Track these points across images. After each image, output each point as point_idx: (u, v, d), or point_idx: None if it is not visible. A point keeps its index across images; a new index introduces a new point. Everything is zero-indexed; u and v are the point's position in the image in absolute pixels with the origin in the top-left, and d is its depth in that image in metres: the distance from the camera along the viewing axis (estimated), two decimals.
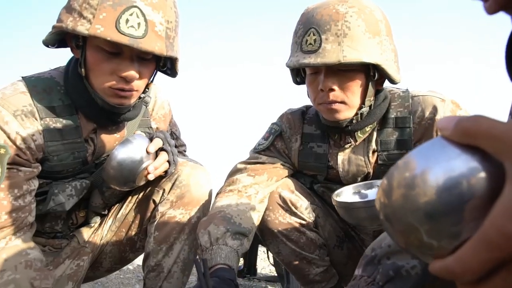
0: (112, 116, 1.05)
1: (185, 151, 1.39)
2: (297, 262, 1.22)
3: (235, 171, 1.25)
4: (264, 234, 1.22)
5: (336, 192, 1.14)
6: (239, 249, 1.00)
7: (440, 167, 0.37)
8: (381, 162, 1.15)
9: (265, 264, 2.56)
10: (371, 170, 1.17)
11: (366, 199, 1.09)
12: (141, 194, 1.22)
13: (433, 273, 0.40)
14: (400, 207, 0.40)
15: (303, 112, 1.29)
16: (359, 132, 1.15)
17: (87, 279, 1.28)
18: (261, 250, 2.41)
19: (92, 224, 1.23)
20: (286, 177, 1.26)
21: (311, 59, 1.02)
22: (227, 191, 1.18)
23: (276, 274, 2.14)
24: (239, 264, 2.10)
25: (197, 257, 0.89)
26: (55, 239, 1.15)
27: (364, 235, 1.27)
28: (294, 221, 1.19)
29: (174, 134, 1.34)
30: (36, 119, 0.97)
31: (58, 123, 1.00)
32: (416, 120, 1.13)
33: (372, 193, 1.15)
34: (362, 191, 1.17)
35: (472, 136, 0.35)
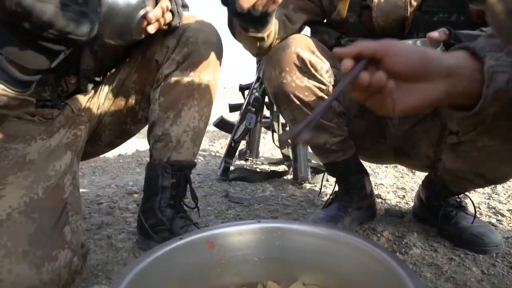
0: None
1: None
2: (313, 130, 1.11)
3: None
4: (279, 99, 1.09)
5: None
6: None
7: None
8: (427, 8, 0.96)
9: (266, 148, 2.51)
10: (409, 15, 0.99)
11: None
12: (141, 54, 1.01)
13: None
14: None
15: None
16: None
17: (87, 155, 1.14)
18: (263, 135, 2.33)
19: (86, 92, 1.06)
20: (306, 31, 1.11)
21: None
22: None
23: (279, 158, 2.09)
24: (243, 147, 2.02)
25: None
26: (45, 108, 0.99)
27: None
28: (313, 85, 1.04)
29: None
30: None
31: None
32: None
33: None
34: None
35: None
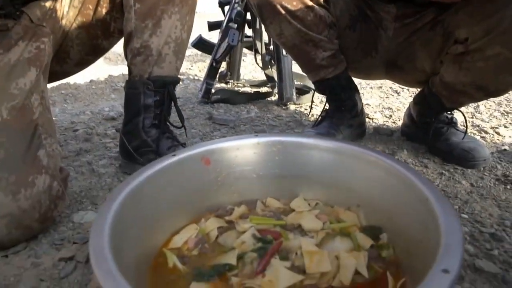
0: None
1: None
2: (302, 45, 1.04)
3: None
4: (264, 11, 0.99)
5: None
6: None
7: None
8: None
9: (246, 71, 2.40)
10: None
11: None
12: None
13: None
14: None
15: None
16: None
17: (55, 75, 1.02)
18: (243, 58, 2.20)
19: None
20: None
21: None
22: None
23: (261, 79, 1.99)
24: (222, 69, 1.90)
25: None
26: None
27: (384, 13, 1.04)
28: None
29: None
30: None
31: None
32: None
33: None
34: None
35: None
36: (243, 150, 0.63)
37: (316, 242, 0.53)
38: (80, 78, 2.20)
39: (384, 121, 1.42)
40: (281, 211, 0.62)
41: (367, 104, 1.63)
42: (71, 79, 2.14)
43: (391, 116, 1.48)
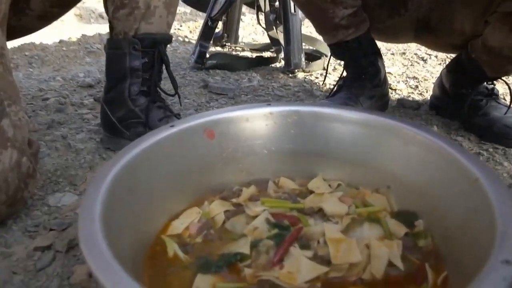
0: None
1: None
2: (318, 1, 1.03)
3: None
4: None
5: None
6: None
7: None
8: None
9: (245, 32, 2.36)
10: None
11: None
12: None
13: None
14: None
15: None
16: None
17: (13, 31, 0.97)
18: (242, 17, 2.16)
19: None
20: None
21: None
22: None
23: (263, 43, 1.96)
24: (217, 30, 1.87)
25: None
26: None
27: None
28: None
29: None
30: None
31: None
32: None
33: None
34: None
35: None
36: (253, 122, 0.62)
37: (341, 229, 0.52)
38: (48, 37, 2.15)
39: (409, 93, 1.41)
40: (297, 192, 0.61)
41: (389, 72, 1.62)
42: (37, 39, 2.09)
43: (417, 86, 1.47)
